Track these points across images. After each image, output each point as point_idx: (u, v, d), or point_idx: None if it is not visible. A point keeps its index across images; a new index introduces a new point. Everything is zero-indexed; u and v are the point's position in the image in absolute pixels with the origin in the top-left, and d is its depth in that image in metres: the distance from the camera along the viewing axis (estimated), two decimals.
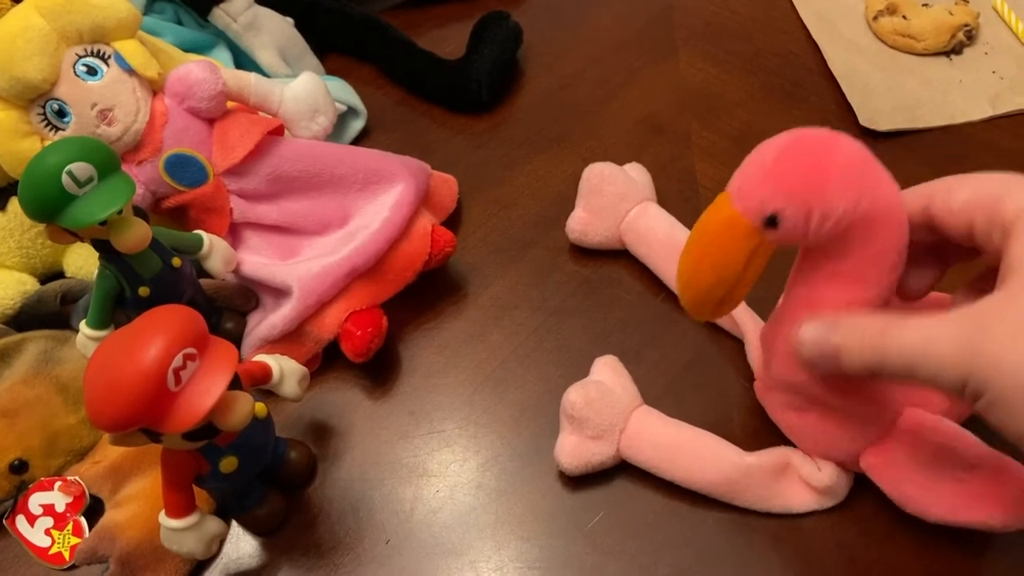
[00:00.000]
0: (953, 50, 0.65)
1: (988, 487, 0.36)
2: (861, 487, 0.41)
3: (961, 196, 0.32)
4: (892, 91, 0.62)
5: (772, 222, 0.31)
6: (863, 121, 0.59)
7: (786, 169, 0.31)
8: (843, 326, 0.32)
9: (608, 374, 0.45)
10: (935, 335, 0.29)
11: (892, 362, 0.30)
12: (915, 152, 0.58)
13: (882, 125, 0.59)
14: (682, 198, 0.56)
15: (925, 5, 0.67)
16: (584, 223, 0.52)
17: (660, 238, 0.50)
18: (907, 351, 0.30)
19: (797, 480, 0.42)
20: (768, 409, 0.43)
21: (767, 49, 0.67)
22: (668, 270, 0.50)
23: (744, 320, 0.46)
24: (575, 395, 0.42)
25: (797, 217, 0.31)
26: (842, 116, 0.61)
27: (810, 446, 0.41)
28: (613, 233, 0.52)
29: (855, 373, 0.32)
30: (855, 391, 0.36)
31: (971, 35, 0.65)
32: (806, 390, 0.37)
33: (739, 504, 0.42)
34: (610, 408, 0.42)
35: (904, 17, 0.66)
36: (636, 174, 0.54)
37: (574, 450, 0.42)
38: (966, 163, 0.57)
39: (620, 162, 0.54)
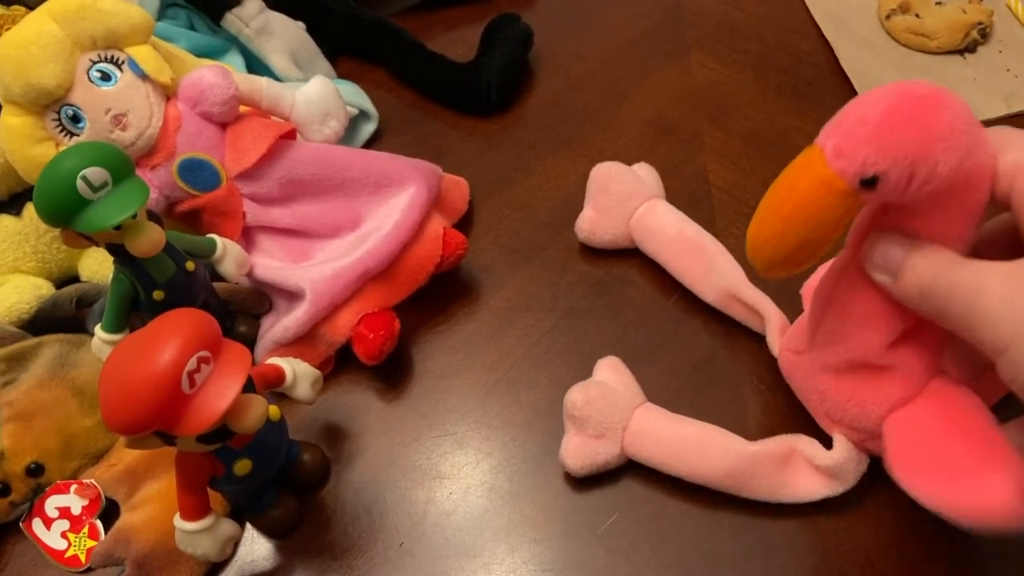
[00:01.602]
0: (967, 48, 0.65)
1: (995, 474, 0.35)
2: (878, 487, 0.41)
3: (1011, 156, 0.31)
4: None
5: (871, 183, 0.29)
6: None
7: (893, 129, 0.29)
8: (920, 248, 0.32)
9: (610, 373, 0.45)
10: (989, 288, 0.29)
11: (941, 299, 0.30)
12: None
13: None
14: (694, 198, 0.56)
15: (939, 3, 0.66)
16: (593, 222, 0.52)
17: (670, 234, 0.50)
18: (960, 294, 0.30)
19: (804, 466, 0.41)
20: (797, 378, 0.42)
21: (779, 48, 0.67)
22: (679, 266, 0.50)
23: (762, 305, 0.46)
24: (576, 395, 0.43)
25: (900, 179, 0.29)
26: None
27: (838, 415, 0.40)
28: (622, 231, 0.52)
29: (905, 295, 0.32)
30: (901, 340, 0.36)
31: (985, 33, 0.65)
32: (856, 340, 0.37)
33: (747, 495, 0.41)
34: (611, 406, 0.42)
35: (917, 15, 0.65)
36: (644, 173, 0.54)
37: (578, 450, 0.42)
38: None
39: (632, 163, 0.54)
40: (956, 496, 0.34)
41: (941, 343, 0.37)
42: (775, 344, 0.45)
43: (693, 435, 0.42)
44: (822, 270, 0.45)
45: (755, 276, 0.47)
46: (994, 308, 0.28)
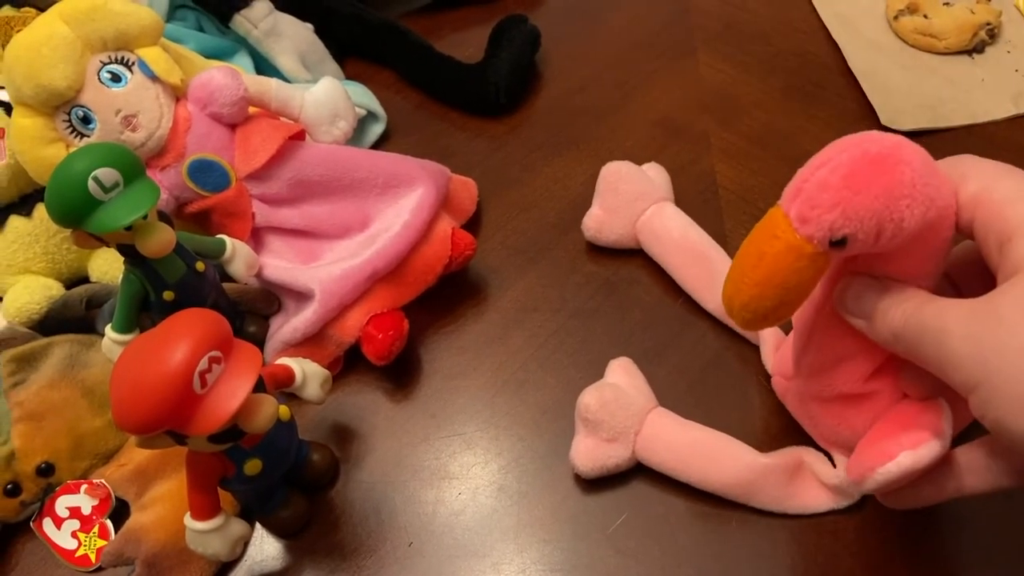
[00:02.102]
0: (975, 49, 0.65)
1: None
2: None
3: (971, 188, 0.31)
4: (914, 90, 0.62)
5: (840, 243, 0.30)
6: (885, 121, 0.59)
7: (856, 193, 0.29)
8: (889, 292, 0.32)
9: (622, 376, 0.45)
10: (949, 329, 0.29)
11: (910, 340, 0.31)
12: (938, 152, 0.56)
13: (904, 124, 0.58)
14: (701, 199, 0.56)
15: (946, 4, 0.66)
16: (599, 221, 0.53)
17: (675, 238, 0.50)
18: (925, 335, 0.30)
19: (811, 479, 0.42)
20: (789, 402, 0.42)
21: (786, 49, 0.67)
22: (681, 270, 0.50)
23: None
24: (589, 398, 0.43)
25: (867, 237, 0.29)
26: (863, 116, 0.61)
27: (831, 438, 0.40)
28: (628, 232, 0.52)
29: (880, 338, 0.32)
30: (881, 368, 0.36)
31: (993, 34, 0.65)
32: (836, 375, 0.37)
33: (755, 505, 0.41)
34: (624, 411, 0.42)
35: (925, 16, 0.65)
36: (654, 174, 0.54)
37: (589, 453, 0.42)
38: None
39: (639, 164, 0.54)
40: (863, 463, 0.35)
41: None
42: (769, 361, 0.45)
43: (704, 442, 0.42)
44: None
45: None
46: (959, 348, 0.28)
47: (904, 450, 0.33)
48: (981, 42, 0.64)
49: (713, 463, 0.42)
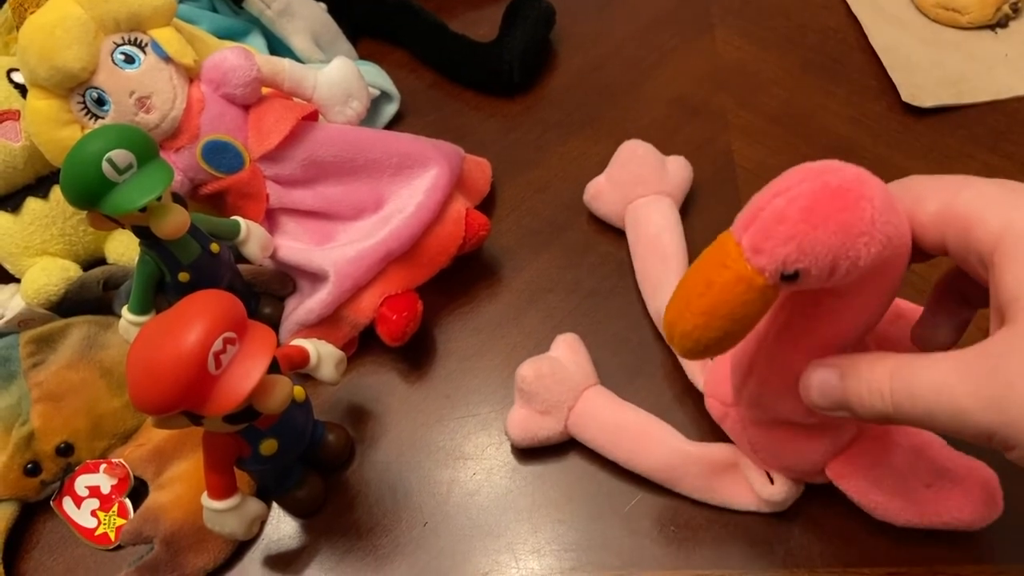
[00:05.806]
0: (998, 23, 0.63)
1: (956, 488, 0.37)
2: None
3: (931, 207, 0.29)
4: (936, 66, 0.60)
5: (792, 278, 0.28)
6: (906, 97, 0.58)
7: (813, 226, 0.27)
8: (849, 373, 0.30)
9: (565, 351, 0.45)
10: (949, 387, 0.27)
11: (906, 412, 0.29)
12: (960, 129, 0.57)
13: (926, 101, 0.57)
14: (719, 179, 0.55)
15: None
16: (599, 190, 0.53)
17: (649, 232, 0.49)
18: (920, 403, 0.28)
19: (739, 480, 0.41)
20: (728, 427, 0.41)
21: (806, 25, 0.66)
22: (639, 263, 0.50)
23: None
24: (526, 370, 0.43)
25: (821, 273, 0.28)
26: (883, 93, 0.60)
27: (774, 462, 0.39)
28: (618, 210, 0.52)
29: (871, 421, 0.31)
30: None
31: (1017, 8, 0.63)
32: (780, 406, 0.36)
33: (680, 491, 0.42)
34: (560, 385, 0.43)
35: None
36: (674, 167, 0.52)
37: (522, 423, 0.43)
38: (1013, 139, 0.56)
39: (655, 143, 0.53)
40: (929, 519, 0.37)
41: None
42: (697, 378, 0.44)
43: (634, 423, 0.42)
44: None
45: None
46: (969, 407, 0.27)
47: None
48: (1005, 17, 0.63)
49: (640, 445, 0.42)
